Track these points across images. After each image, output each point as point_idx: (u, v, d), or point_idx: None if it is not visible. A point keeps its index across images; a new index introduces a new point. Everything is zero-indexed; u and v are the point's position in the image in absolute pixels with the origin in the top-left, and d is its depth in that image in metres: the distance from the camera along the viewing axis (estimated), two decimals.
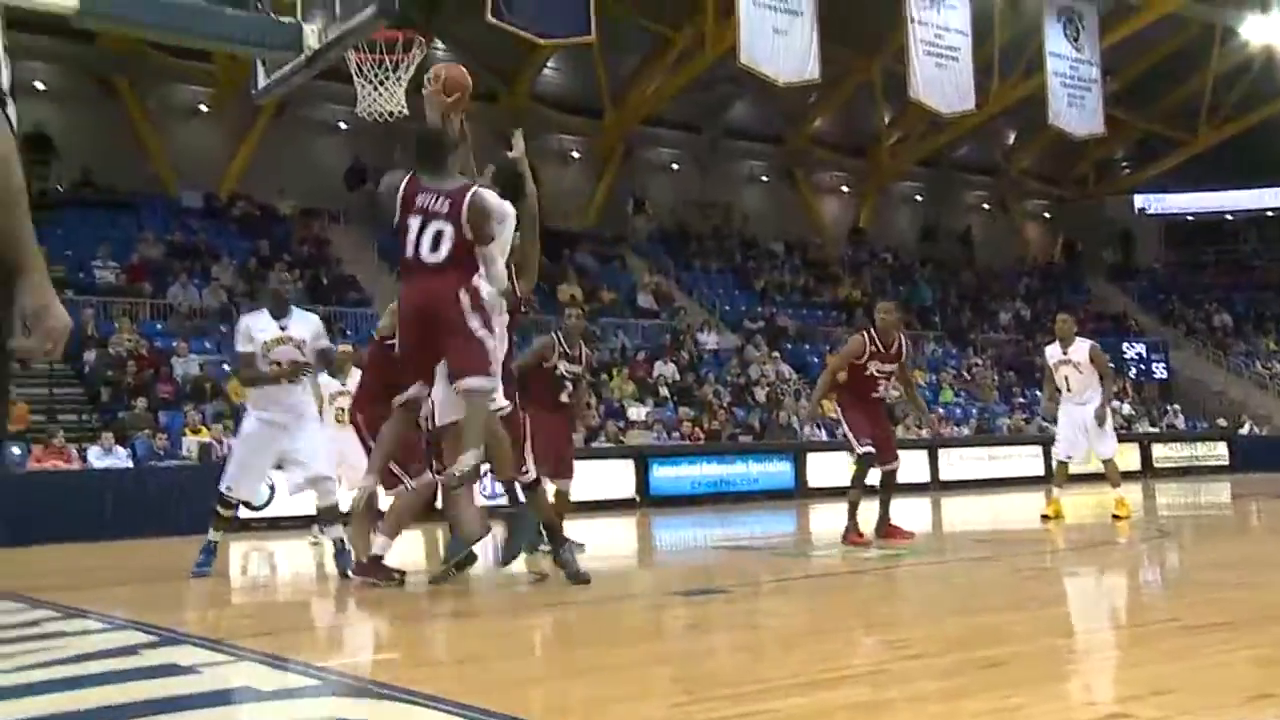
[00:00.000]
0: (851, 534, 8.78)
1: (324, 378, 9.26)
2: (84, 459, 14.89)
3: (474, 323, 6.00)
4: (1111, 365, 12.24)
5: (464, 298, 6.00)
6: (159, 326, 19.52)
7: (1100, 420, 10.94)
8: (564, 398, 8.89)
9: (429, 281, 6.10)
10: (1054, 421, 11.80)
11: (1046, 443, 16.49)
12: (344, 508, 7.87)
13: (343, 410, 9.20)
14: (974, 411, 25.45)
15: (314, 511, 8.74)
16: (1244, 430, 29.00)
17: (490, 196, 6.40)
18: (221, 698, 3.62)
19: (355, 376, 8.87)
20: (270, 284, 8.66)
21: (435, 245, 6.06)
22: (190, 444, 15.73)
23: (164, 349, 18.34)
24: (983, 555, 8.52)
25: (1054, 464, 11.90)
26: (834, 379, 9.32)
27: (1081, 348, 11.14)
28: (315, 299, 19.78)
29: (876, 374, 8.99)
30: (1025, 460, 22.15)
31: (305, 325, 7.91)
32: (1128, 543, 9.29)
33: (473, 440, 6.03)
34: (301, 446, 7.84)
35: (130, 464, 15.00)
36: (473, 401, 6.04)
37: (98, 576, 9.13)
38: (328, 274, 22.86)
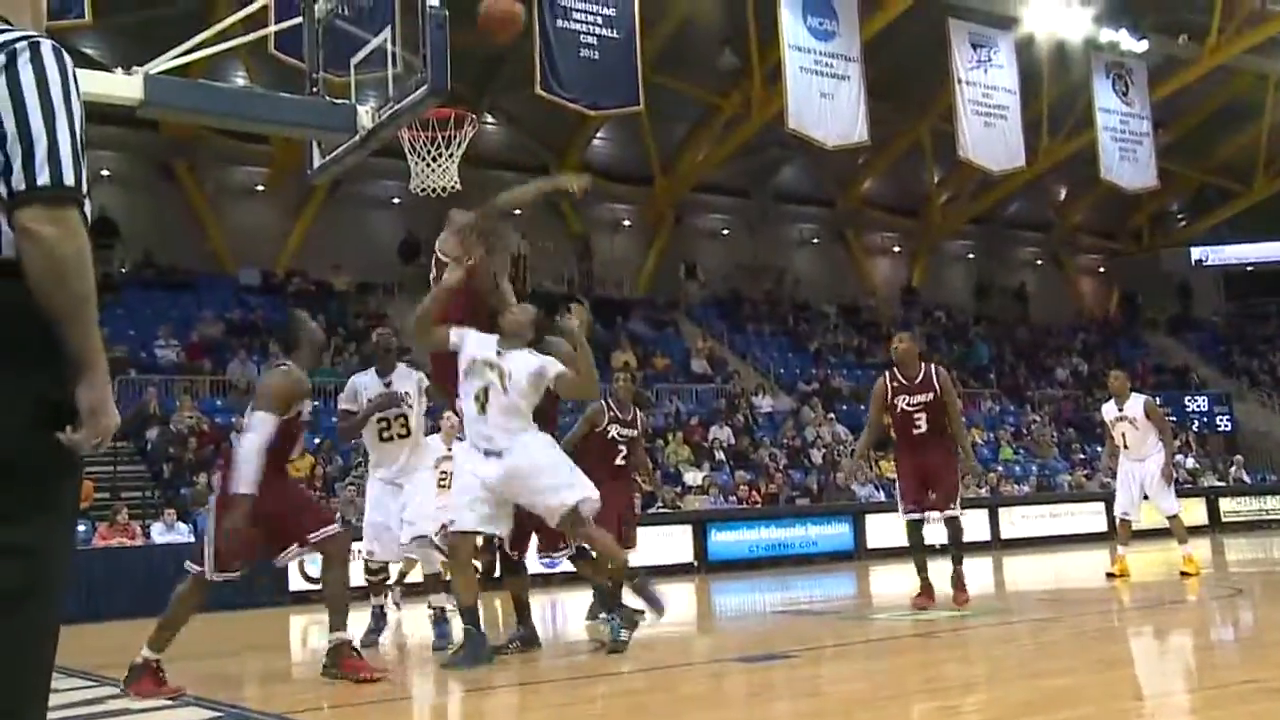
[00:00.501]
0: (917, 596, 8.67)
1: (433, 440, 8.99)
2: (147, 535, 15.04)
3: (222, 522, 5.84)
4: (1172, 419, 12.09)
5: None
6: (219, 403, 19.77)
7: (1168, 478, 10.83)
8: (620, 461, 8.90)
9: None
10: (1115, 478, 11.67)
11: (1108, 499, 16.17)
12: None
13: (445, 474, 9.17)
14: (1033, 469, 25.08)
15: (363, 581, 8.61)
16: None
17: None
18: None
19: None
20: (374, 340, 8.62)
21: None
22: None
23: (224, 425, 18.54)
24: (1048, 615, 8.38)
25: (1116, 522, 11.71)
26: (874, 429, 9.38)
27: (1136, 403, 11.07)
28: None
29: (909, 408, 8.91)
30: (1087, 517, 21.73)
31: (409, 380, 8.02)
32: (1198, 601, 9.09)
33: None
34: (410, 508, 7.88)
35: (192, 539, 15.11)
36: (188, 589, 5.98)
37: None
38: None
